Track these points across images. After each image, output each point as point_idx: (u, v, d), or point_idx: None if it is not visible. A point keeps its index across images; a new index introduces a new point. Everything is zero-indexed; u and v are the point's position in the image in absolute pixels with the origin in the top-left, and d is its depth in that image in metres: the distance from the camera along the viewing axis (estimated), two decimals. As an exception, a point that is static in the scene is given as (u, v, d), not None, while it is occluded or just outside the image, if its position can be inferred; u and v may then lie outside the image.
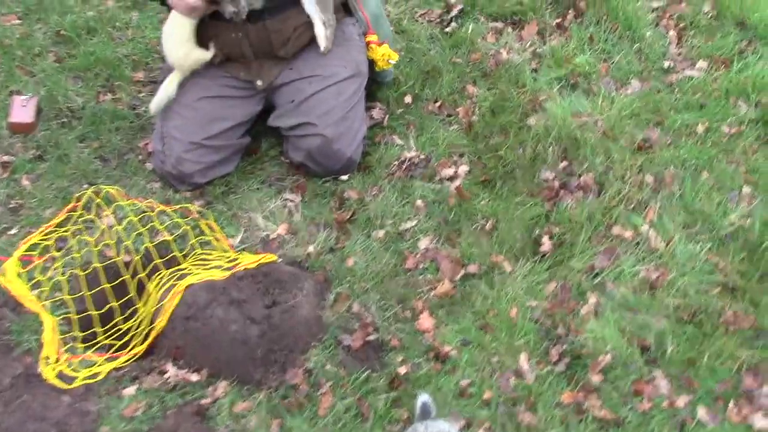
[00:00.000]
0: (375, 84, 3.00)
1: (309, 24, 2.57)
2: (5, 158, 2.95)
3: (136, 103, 3.17)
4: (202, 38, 2.60)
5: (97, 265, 2.52)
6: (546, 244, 2.45)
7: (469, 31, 3.22)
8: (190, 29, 2.55)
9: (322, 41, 2.61)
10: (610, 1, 3.18)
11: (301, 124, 2.66)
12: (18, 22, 3.62)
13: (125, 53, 3.36)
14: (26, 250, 2.57)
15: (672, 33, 3.07)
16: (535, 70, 3.03)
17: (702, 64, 2.92)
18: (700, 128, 2.67)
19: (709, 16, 3.12)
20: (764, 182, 2.55)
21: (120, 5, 3.66)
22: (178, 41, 2.59)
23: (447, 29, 3.29)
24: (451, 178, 2.69)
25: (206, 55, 2.62)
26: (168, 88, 2.69)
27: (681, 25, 3.11)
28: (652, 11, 3.19)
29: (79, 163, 2.91)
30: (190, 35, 2.57)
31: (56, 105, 3.14)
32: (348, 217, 2.64)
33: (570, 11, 3.25)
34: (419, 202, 2.64)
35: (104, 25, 3.50)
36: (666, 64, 2.96)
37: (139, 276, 2.46)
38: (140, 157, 2.94)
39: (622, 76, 2.95)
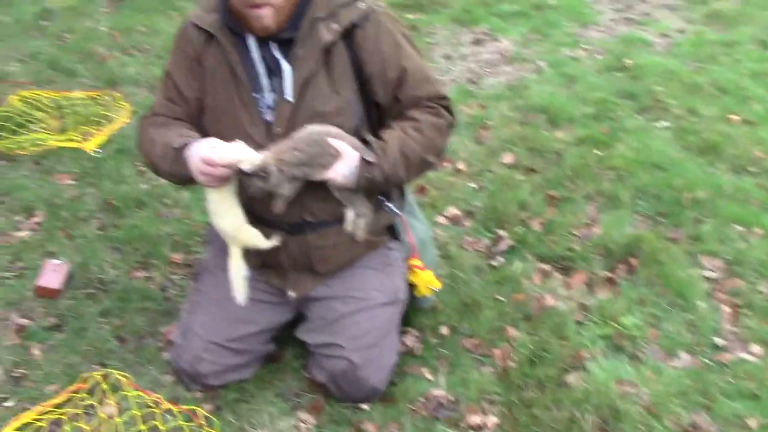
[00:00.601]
0: (413, 309, 2.90)
1: (351, 242, 2.50)
2: (22, 321, 2.86)
3: (168, 285, 3.10)
4: None
5: (86, 461, 2.33)
6: None
7: (516, 270, 3.15)
8: (228, 200, 2.34)
9: (348, 225, 2.47)
10: (663, 264, 3.11)
11: (328, 344, 2.53)
12: (72, 182, 3.67)
13: (168, 232, 3.35)
14: (16, 429, 2.41)
15: (726, 309, 2.95)
16: (579, 323, 2.91)
17: (757, 349, 2.77)
18: (753, 423, 2.48)
19: (766, 298, 3.01)
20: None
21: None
22: (219, 213, 2.39)
23: (493, 262, 3.23)
24: (479, 428, 2.50)
25: (261, 239, 2.41)
26: (236, 272, 2.47)
27: (736, 301, 3.00)
28: (706, 281, 3.10)
29: (96, 340, 2.79)
30: (230, 206, 2.35)
31: (88, 274, 3.09)
32: (362, 455, 2.44)
33: (622, 266, 3.18)
34: (440, 449, 2.45)
35: (153, 200, 3.52)
36: (718, 341, 2.81)
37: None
38: (159, 344, 2.82)
39: (670, 345, 2.80)
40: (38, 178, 3.68)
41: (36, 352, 2.73)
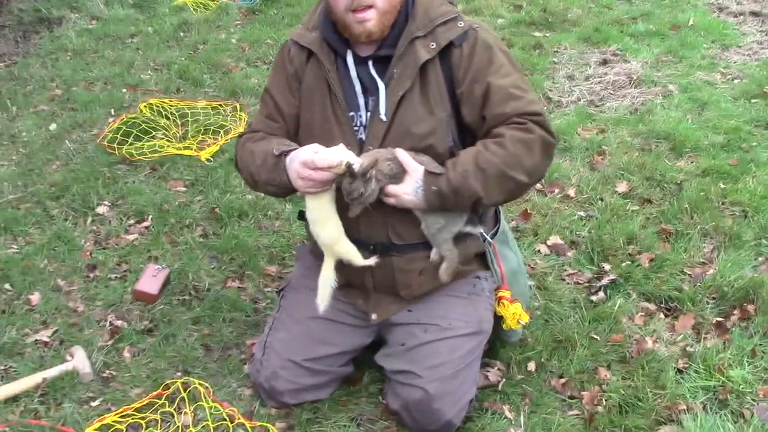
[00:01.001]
0: (500, 341, 2.78)
1: (436, 269, 2.42)
2: (118, 323, 2.96)
3: (259, 297, 3.13)
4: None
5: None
6: None
7: (616, 307, 2.95)
8: (327, 208, 2.31)
9: (441, 272, 2.41)
10: (783, 314, 2.83)
11: (405, 371, 2.46)
12: (183, 189, 3.79)
13: (266, 243, 3.39)
14: (96, 429, 2.49)
15: None
16: (680, 371, 2.69)
17: None
18: None
19: None
20: None
21: (279, 195, 3.74)
22: (319, 221, 2.37)
23: (593, 298, 3.05)
24: (556, 476, 2.36)
25: (357, 255, 2.37)
26: (324, 282, 2.45)
27: None
28: (832, 337, 2.79)
29: (183, 347, 2.85)
30: (328, 214, 2.32)
31: (185, 281, 3.18)
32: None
33: (736, 311, 2.92)
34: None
35: (256, 211, 3.57)
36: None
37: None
38: (243, 356, 2.85)
39: (782, 405, 2.54)
40: (153, 184, 3.83)
41: (126, 354, 2.82)
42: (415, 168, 2.23)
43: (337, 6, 2.24)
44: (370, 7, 2.20)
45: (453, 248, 2.37)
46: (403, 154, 2.24)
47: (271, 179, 2.34)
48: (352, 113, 2.36)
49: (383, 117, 2.30)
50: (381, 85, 2.30)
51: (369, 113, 2.34)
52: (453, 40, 2.27)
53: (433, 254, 2.42)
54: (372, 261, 2.38)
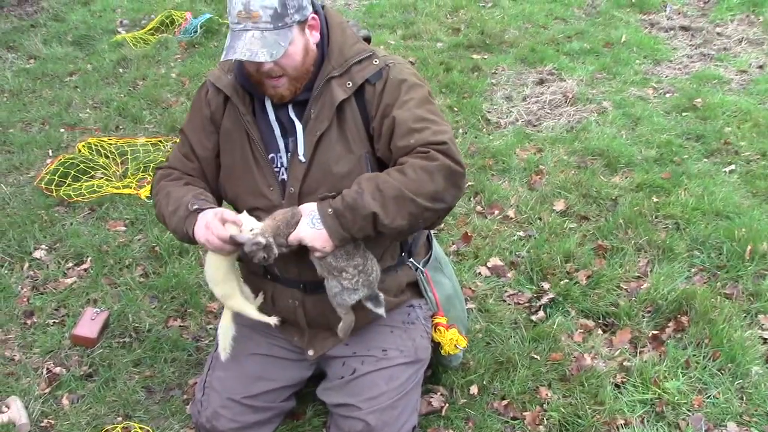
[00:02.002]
0: (441, 366, 2.80)
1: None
2: (56, 370, 2.92)
3: (202, 335, 3.11)
4: (256, 290, 2.52)
5: None
6: None
7: (555, 325, 3.00)
8: (225, 269, 2.33)
9: (338, 330, 2.40)
10: (716, 323, 2.89)
11: (345, 404, 2.46)
12: (122, 229, 3.76)
13: (199, 283, 3.36)
14: (35, 482, 2.44)
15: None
16: (618, 386, 2.74)
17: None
18: None
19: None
20: None
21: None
22: (214, 280, 2.38)
23: (533, 317, 3.09)
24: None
25: (248, 307, 2.40)
26: (224, 332, 2.46)
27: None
28: (764, 343, 2.87)
29: (124, 391, 2.82)
30: (225, 276, 2.35)
31: (124, 323, 3.15)
32: None
33: (670, 324, 2.98)
34: None
35: (196, 249, 3.55)
36: (772, 413, 2.59)
37: None
38: (185, 396, 2.82)
39: (717, 415, 2.59)
40: (92, 225, 3.79)
41: (65, 402, 2.78)
42: (307, 206, 2.22)
43: (249, 69, 2.25)
44: (282, 76, 2.22)
45: (350, 313, 2.35)
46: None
47: (178, 229, 2.34)
48: (272, 155, 2.35)
49: (302, 158, 2.30)
50: (299, 126, 2.31)
51: (289, 154, 2.34)
52: (369, 78, 2.28)
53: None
54: (273, 320, 2.41)
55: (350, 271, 2.24)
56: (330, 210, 2.14)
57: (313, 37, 2.27)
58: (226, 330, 2.41)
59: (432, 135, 2.19)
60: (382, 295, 2.35)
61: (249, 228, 2.19)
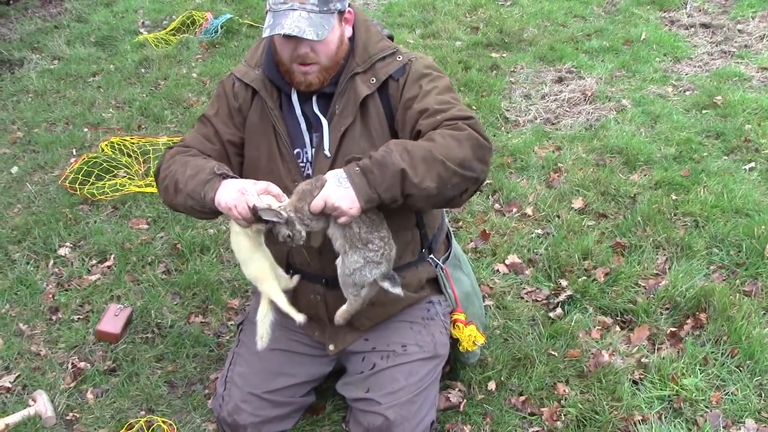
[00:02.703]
0: (459, 363, 2.83)
1: (389, 300, 2.45)
2: (81, 364, 2.97)
3: (222, 331, 3.16)
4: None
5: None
6: None
7: (573, 322, 3.01)
8: (249, 248, 2.28)
9: (337, 315, 2.38)
10: (734, 320, 2.89)
11: (365, 398, 2.49)
12: (145, 227, 3.81)
13: (228, 278, 3.41)
14: (60, 473, 2.50)
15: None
16: (635, 383, 2.74)
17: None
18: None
19: None
20: None
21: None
22: (241, 260, 2.35)
23: (551, 314, 3.10)
24: (516, 496, 2.39)
25: (279, 295, 2.35)
26: (262, 318, 2.40)
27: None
28: (782, 341, 2.87)
29: (147, 386, 2.87)
30: (251, 254, 2.30)
31: (147, 319, 3.19)
32: None
33: (689, 321, 2.99)
34: None
35: (218, 246, 3.60)
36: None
37: None
38: (207, 390, 2.87)
39: (735, 411, 2.59)
40: (115, 223, 3.85)
41: (90, 396, 2.84)
42: (332, 171, 2.16)
43: (282, 54, 2.28)
44: (314, 63, 2.25)
45: (359, 297, 2.30)
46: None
47: (195, 192, 2.26)
48: (297, 150, 2.40)
49: (327, 153, 2.34)
50: (324, 121, 2.35)
51: (314, 149, 2.38)
52: (392, 74, 2.33)
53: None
54: (300, 318, 2.35)
55: (376, 243, 2.20)
56: (357, 168, 2.10)
57: (347, 31, 2.32)
58: (263, 316, 2.38)
59: (457, 111, 2.22)
60: (397, 275, 2.32)
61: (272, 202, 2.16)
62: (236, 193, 2.16)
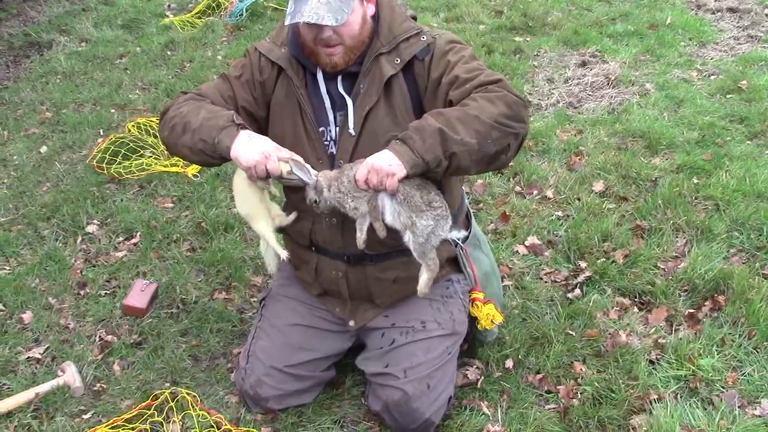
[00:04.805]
0: (477, 341, 2.87)
1: (410, 277, 2.48)
2: (108, 338, 3.05)
3: (245, 307, 3.22)
4: (300, 262, 2.64)
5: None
6: None
7: (591, 303, 3.04)
8: (249, 191, 2.39)
9: (422, 286, 2.39)
10: (753, 303, 2.90)
11: (383, 373, 2.55)
12: (170, 206, 3.88)
13: (251, 255, 3.47)
14: (87, 441, 2.57)
15: (819, 353, 2.72)
16: (652, 362, 2.77)
17: None
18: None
19: None
20: None
21: (263, 207, 3.83)
22: (240, 202, 2.48)
23: (569, 295, 3.13)
24: (532, 468, 2.43)
25: (270, 234, 2.48)
26: (266, 249, 2.63)
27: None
28: (798, 327, 2.87)
29: (172, 359, 2.94)
30: (249, 196, 2.41)
31: (172, 294, 3.26)
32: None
33: (707, 302, 3.00)
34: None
35: (242, 224, 3.66)
36: (806, 390, 2.60)
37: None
38: (230, 364, 2.93)
39: (751, 392, 2.61)
40: (141, 201, 3.92)
41: (116, 368, 2.91)
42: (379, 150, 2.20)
43: (306, 37, 2.31)
44: (339, 44, 2.28)
45: (436, 257, 2.33)
46: None
47: (208, 135, 2.26)
48: (322, 128, 2.43)
49: (352, 131, 2.38)
50: (349, 100, 2.38)
51: (338, 128, 2.42)
52: (416, 54, 2.35)
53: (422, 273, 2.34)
54: (284, 254, 2.50)
55: (437, 199, 2.24)
56: (396, 140, 2.14)
57: (370, 9, 2.35)
58: (268, 248, 2.58)
59: (486, 77, 2.25)
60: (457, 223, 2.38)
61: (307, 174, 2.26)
62: (259, 155, 2.20)
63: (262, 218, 2.46)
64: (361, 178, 2.16)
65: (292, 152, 2.28)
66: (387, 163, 2.10)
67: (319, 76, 2.41)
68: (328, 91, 2.41)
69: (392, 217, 2.23)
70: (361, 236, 2.29)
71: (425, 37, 2.37)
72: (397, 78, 2.37)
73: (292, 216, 2.53)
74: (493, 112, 2.14)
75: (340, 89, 2.40)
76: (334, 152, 2.42)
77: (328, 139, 2.44)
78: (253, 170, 2.22)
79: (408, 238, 2.26)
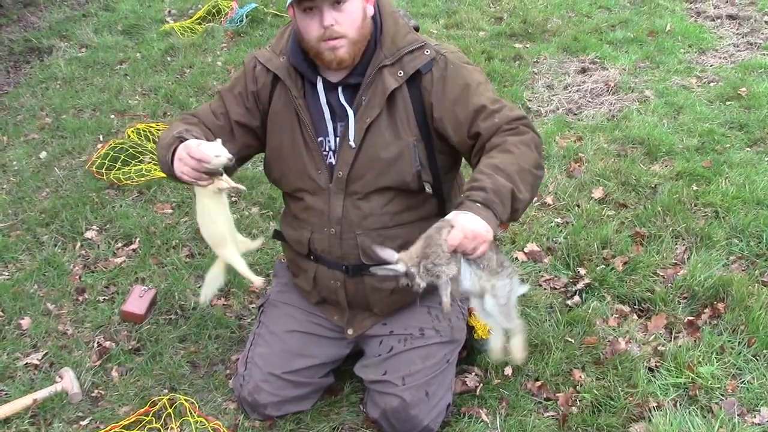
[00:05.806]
0: (476, 349, 2.86)
1: (408, 288, 2.48)
2: (106, 344, 3.04)
3: (244, 313, 3.21)
4: (299, 270, 2.64)
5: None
6: None
7: (590, 310, 3.03)
8: (211, 211, 2.32)
9: (518, 350, 2.34)
10: (752, 310, 2.90)
11: (381, 380, 2.54)
12: (169, 212, 3.88)
13: (250, 261, 3.46)
14: (85, 448, 2.57)
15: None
16: (651, 370, 2.76)
17: None
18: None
19: None
20: None
21: (263, 213, 3.84)
22: (202, 224, 2.40)
23: (569, 301, 3.13)
24: (530, 476, 2.43)
25: (238, 260, 2.42)
26: (212, 279, 2.54)
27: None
28: (800, 331, 2.87)
29: (170, 365, 2.93)
30: (212, 219, 2.34)
31: (171, 300, 3.26)
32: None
33: (706, 310, 2.99)
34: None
35: (241, 231, 3.63)
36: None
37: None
38: (228, 371, 2.92)
39: (750, 400, 2.60)
40: (140, 207, 3.92)
41: (114, 374, 2.91)
42: (452, 212, 2.08)
43: (309, 35, 2.28)
44: (342, 37, 2.27)
45: (519, 318, 2.28)
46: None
47: (162, 155, 2.31)
48: (320, 138, 2.42)
49: (352, 143, 2.36)
50: (350, 112, 2.37)
51: (338, 139, 2.40)
52: (420, 68, 2.32)
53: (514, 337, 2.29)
54: (259, 281, 2.45)
55: (506, 258, 2.20)
56: (478, 204, 2.04)
57: (369, 9, 2.32)
58: (212, 278, 2.51)
59: (510, 111, 2.26)
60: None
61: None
62: (179, 160, 2.19)
63: (230, 243, 2.40)
64: (455, 244, 2.01)
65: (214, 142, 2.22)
66: (484, 229, 2.01)
67: (319, 85, 2.39)
68: (328, 102, 2.40)
69: (471, 282, 2.14)
70: (447, 301, 2.12)
71: (429, 51, 2.34)
72: (401, 91, 2.35)
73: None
74: (534, 159, 2.17)
75: (342, 100, 2.38)
76: (333, 162, 2.41)
77: (327, 149, 2.43)
78: (185, 177, 2.20)
79: (488, 303, 2.18)
